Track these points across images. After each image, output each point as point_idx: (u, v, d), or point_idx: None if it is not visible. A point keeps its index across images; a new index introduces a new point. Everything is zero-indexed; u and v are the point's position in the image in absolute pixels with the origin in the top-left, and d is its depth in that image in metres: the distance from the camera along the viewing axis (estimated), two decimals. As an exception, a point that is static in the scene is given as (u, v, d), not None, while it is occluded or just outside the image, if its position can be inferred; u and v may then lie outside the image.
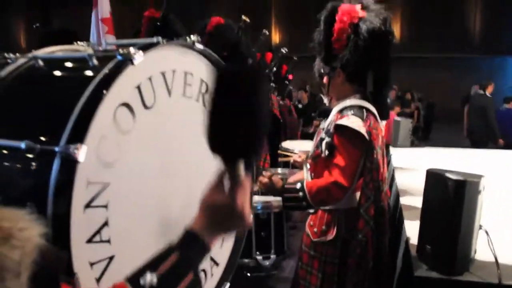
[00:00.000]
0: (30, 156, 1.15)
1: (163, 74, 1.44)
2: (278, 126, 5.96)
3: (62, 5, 17.50)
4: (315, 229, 2.35)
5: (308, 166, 2.44)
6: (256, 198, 3.00)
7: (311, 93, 11.75)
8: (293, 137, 6.71)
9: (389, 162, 5.29)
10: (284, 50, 6.46)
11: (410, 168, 4.85)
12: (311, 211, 2.41)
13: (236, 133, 0.84)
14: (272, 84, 6.00)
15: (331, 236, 2.30)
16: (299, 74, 10.53)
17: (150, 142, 1.39)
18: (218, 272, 1.90)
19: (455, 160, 5.15)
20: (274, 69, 6.22)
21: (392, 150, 6.22)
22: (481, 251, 2.19)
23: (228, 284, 1.90)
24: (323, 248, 2.30)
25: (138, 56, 1.28)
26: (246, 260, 2.83)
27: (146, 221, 1.39)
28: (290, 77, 12.50)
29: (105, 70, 1.26)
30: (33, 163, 1.16)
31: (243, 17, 3.57)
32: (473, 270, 2.15)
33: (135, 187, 1.34)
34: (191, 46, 1.54)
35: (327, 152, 2.24)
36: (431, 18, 17.12)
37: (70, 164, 1.09)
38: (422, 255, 2.22)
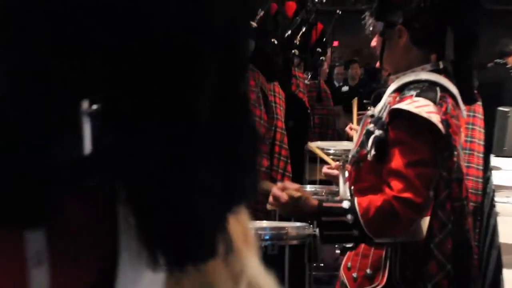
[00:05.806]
0: None
1: None
2: (305, 120, 4.17)
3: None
4: (355, 274, 1.83)
5: (346, 174, 1.95)
6: (264, 223, 2.21)
7: (365, 69, 8.54)
8: (324, 135, 4.72)
9: (487, 180, 4.12)
10: None
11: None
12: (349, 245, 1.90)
13: None
14: (296, 52, 3.96)
15: (379, 285, 1.80)
16: (346, 39, 8.41)
17: None
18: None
19: None
20: (303, 29, 4.05)
21: (494, 160, 4.64)
22: None
23: None
24: (368, 305, 1.82)
25: None
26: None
27: None
28: (335, 43, 7.10)
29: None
30: None
31: None
32: None
33: None
34: None
35: (373, 152, 1.73)
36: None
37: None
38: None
